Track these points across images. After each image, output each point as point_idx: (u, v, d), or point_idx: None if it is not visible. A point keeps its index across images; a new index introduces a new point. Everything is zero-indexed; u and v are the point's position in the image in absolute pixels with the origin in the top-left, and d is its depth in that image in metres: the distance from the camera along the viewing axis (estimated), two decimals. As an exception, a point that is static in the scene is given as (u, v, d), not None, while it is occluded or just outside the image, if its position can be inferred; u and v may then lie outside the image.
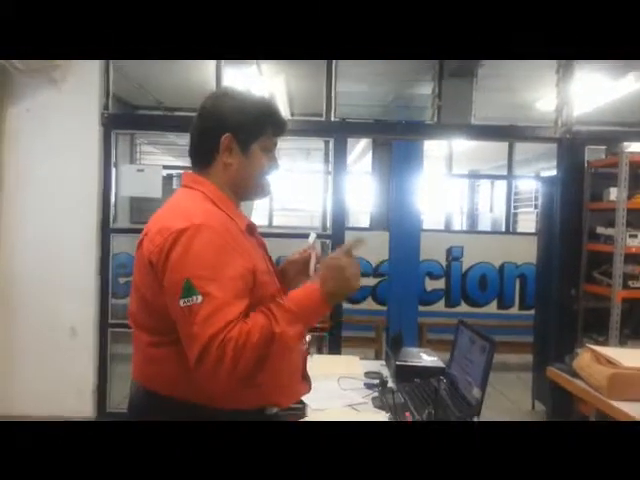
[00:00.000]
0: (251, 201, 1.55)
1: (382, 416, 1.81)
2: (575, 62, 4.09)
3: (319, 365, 2.26)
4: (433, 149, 8.47)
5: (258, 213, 8.88)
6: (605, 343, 3.61)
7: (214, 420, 1.23)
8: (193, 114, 1.42)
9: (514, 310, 6.50)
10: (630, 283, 3.68)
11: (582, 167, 4.11)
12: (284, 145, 6.19)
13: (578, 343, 3.78)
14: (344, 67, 4.20)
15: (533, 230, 7.85)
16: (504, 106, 5.12)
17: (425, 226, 6.58)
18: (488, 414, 1.85)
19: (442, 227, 10.93)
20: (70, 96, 3.93)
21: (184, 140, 1.67)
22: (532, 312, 4.97)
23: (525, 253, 6.01)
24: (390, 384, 2.13)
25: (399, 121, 4.36)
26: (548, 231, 4.43)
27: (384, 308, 4.96)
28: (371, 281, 6.19)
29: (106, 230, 4.04)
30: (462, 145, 8.28)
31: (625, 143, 4.01)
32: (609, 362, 2.18)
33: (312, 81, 4.51)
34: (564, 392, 2.52)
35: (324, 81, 4.16)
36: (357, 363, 2.51)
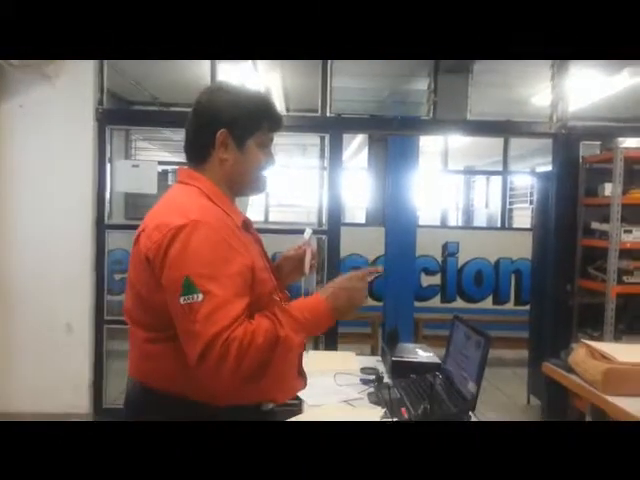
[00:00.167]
0: (246, 197, 1.55)
1: (378, 411, 1.82)
2: (570, 58, 4.10)
3: (315, 361, 2.27)
4: (429, 145, 8.47)
5: (254, 209, 8.87)
6: (600, 338, 3.62)
7: (210, 416, 1.23)
8: (188, 110, 1.41)
9: (509, 305, 6.52)
10: (625, 278, 3.69)
11: (577, 162, 4.12)
12: (281, 141, 6.18)
13: (573, 338, 3.79)
14: (339, 63, 4.19)
15: (528, 225, 7.86)
16: (499, 102, 5.12)
17: (421, 222, 6.58)
18: (483, 409, 1.86)
19: (438, 223, 10.93)
20: (64, 92, 3.90)
21: (179, 136, 1.67)
22: (527, 307, 4.99)
23: (520, 248, 6.02)
24: (386, 380, 2.13)
25: (395, 117, 4.34)
26: (543, 226, 4.44)
27: (380, 304, 4.96)
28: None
29: (101, 226, 4.03)
30: (458, 141, 8.29)
31: (620, 139, 4.01)
32: (604, 357, 2.19)
33: (307, 77, 4.50)
34: (559, 387, 2.53)
35: (319, 77, 4.15)
36: (353, 359, 2.51)
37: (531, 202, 8.67)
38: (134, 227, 1.35)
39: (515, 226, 9.56)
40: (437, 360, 2.23)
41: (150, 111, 5.52)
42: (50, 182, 3.92)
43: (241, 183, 1.41)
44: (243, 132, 1.36)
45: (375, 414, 1.80)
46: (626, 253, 3.71)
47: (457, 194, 12.61)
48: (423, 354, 2.32)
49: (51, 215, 3.93)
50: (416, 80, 4.62)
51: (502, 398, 4.67)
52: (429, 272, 6.52)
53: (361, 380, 2.15)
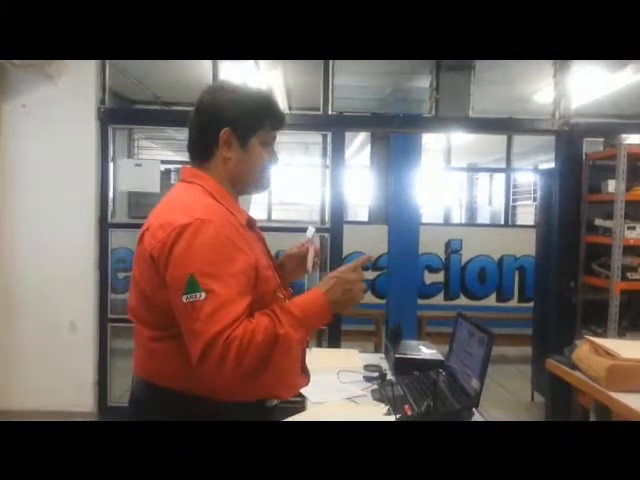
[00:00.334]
0: (249, 195, 1.55)
1: (381, 409, 1.82)
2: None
3: (318, 358, 2.27)
4: (431, 142, 8.45)
5: (257, 207, 8.87)
6: (604, 335, 3.62)
7: (215, 413, 1.24)
8: (191, 108, 1.42)
9: (513, 303, 6.51)
10: (629, 275, 3.69)
11: (580, 159, 4.11)
12: (283, 139, 6.19)
13: (577, 335, 3.79)
14: (341, 61, 4.18)
15: (532, 223, 7.85)
16: (502, 99, 5.11)
17: (424, 219, 6.58)
18: (487, 406, 1.86)
19: (441, 220, 10.93)
20: (66, 91, 3.91)
21: (182, 135, 1.67)
22: (531, 304, 4.98)
23: (524, 246, 6.01)
24: (389, 377, 2.13)
25: (397, 114, 4.34)
26: (547, 223, 4.44)
27: (383, 301, 4.96)
28: (370, 275, 6.19)
29: (104, 225, 4.04)
30: (460, 138, 8.26)
31: (623, 135, 4.01)
32: (608, 354, 2.19)
33: (309, 75, 4.50)
34: (563, 384, 2.53)
35: (321, 75, 4.15)
36: (356, 356, 2.52)
37: (534, 199, 8.65)
38: (137, 226, 1.36)
39: (518, 223, 9.56)
40: (440, 357, 2.23)
41: (152, 110, 5.52)
42: (53, 181, 3.93)
43: (244, 181, 1.41)
44: (246, 131, 1.37)
45: (378, 411, 1.80)
46: (630, 249, 3.70)
47: (460, 191, 12.60)
48: (426, 351, 2.33)
49: (54, 214, 3.94)
50: (418, 78, 4.62)
51: (506, 395, 4.67)
52: (432, 270, 6.52)
53: (364, 377, 2.15)
